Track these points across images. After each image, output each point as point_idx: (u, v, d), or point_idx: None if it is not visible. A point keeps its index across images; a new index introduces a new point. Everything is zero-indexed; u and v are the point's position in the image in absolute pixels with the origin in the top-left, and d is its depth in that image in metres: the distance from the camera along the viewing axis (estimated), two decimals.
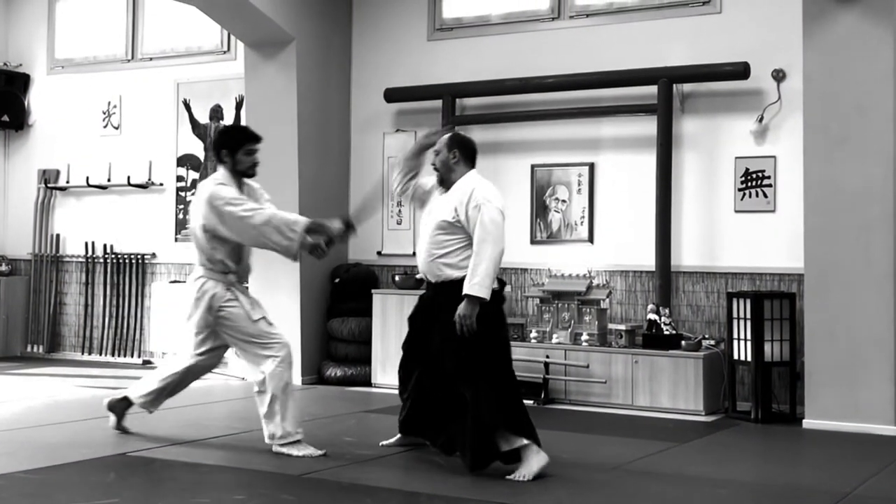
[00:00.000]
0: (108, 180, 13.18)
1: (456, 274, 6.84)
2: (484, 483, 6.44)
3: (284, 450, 7.07)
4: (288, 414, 7.12)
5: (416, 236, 7.39)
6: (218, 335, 7.38)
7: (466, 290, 6.64)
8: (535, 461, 6.60)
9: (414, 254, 7.49)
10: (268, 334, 7.23)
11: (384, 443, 7.43)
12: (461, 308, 6.66)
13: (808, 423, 8.75)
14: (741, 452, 7.91)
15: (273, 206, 7.36)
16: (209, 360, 7.54)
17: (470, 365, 6.76)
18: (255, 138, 7.38)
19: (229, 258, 7.27)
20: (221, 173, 7.32)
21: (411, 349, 7.24)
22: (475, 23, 11.22)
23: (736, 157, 9.85)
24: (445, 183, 7.08)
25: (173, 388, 7.69)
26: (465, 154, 7.11)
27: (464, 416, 6.76)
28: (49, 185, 13.59)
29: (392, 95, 11.36)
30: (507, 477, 6.54)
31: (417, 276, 7.45)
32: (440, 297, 6.94)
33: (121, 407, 7.81)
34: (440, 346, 6.89)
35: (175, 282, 12.62)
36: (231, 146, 7.30)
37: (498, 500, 5.95)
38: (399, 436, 7.40)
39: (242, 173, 7.33)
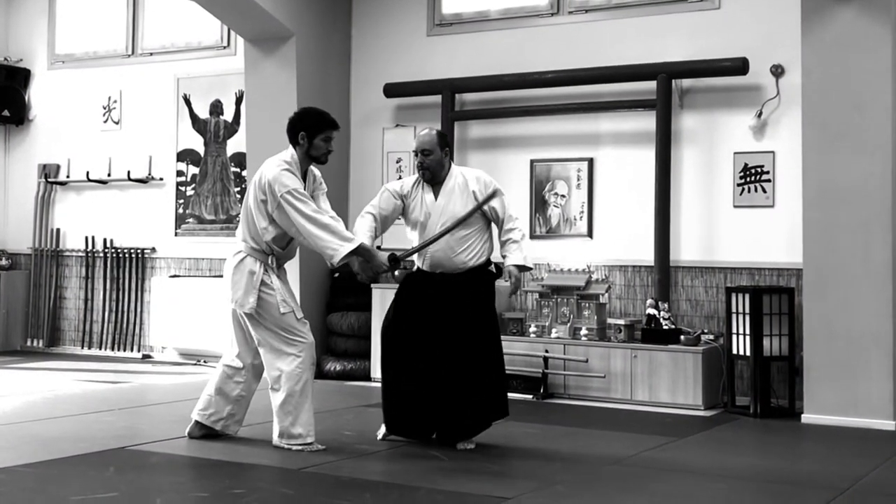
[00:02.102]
0: (108, 175, 13.20)
1: (475, 262, 7.38)
2: (483, 478, 6.45)
3: (284, 444, 7.08)
4: (301, 416, 7.05)
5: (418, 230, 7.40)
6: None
7: (522, 261, 7.36)
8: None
9: None
10: (295, 330, 7.10)
11: (380, 436, 7.49)
12: (516, 274, 7.33)
13: (806, 417, 8.76)
14: (740, 447, 7.92)
15: (327, 202, 7.33)
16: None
17: (497, 339, 7.49)
18: (336, 126, 7.35)
19: (277, 242, 7.15)
20: (290, 155, 7.17)
21: (418, 340, 7.32)
22: (474, 18, 11.24)
23: (735, 153, 9.87)
24: (435, 180, 7.42)
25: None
26: (450, 149, 7.54)
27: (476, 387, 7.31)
28: (49, 180, 13.61)
29: (391, 90, 11.37)
30: (463, 447, 7.28)
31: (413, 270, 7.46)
32: (460, 284, 7.31)
33: None
34: (467, 327, 7.29)
35: (175, 276, 12.64)
36: (312, 130, 7.20)
37: (497, 495, 5.95)
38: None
39: (315, 159, 7.26)
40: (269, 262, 7.17)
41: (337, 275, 11.19)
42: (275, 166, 7.10)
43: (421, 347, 7.31)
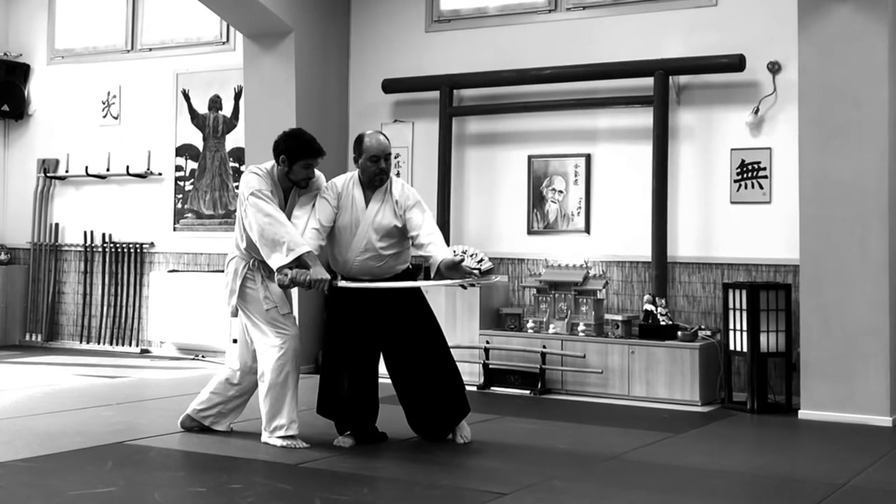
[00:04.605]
0: (108, 170, 13.21)
1: (402, 267, 7.30)
2: (480, 474, 6.48)
3: (271, 441, 7.11)
4: (284, 407, 7.09)
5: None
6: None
7: (452, 257, 6.87)
8: (467, 428, 7.44)
9: None
10: (278, 323, 7.14)
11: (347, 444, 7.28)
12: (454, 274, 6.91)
13: (803, 413, 8.77)
14: (737, 443, 7.94)
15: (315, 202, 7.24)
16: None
17: (440, 333, 7.37)
18: (317, 154, 7.17)
19: (254, 251, 7.14)
20: (270, 165, 7.21)
21: (367, 349, 7.24)
22: (472, 14, 11.25)
23: (732, 149, 9.88)
24: (381, 186, 7.20)
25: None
26: None
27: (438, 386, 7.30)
28: (48, 175, 13.61)
29: (390, 86, 11.38)
30: (452, 437, 7.34)
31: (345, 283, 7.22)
32: (391, 291, 7.13)
33: None
34: (408, 330, 7.23)
35: (173, 271, 12.66)
36: (291, 155, 7.11)
37: (494, 491, 5.97)
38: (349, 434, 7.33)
39: (294, 183, 7.19)
40: (252, 263, 7.24)
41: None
42: (246, 172, 7.19)
43: (372, 354, 7.26)
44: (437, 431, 7.35)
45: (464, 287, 7.21)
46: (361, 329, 7.20)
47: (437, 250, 6.93)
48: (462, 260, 6.87)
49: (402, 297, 7.20)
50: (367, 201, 7.16)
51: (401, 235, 7.17)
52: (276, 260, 6.85)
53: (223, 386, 7.45)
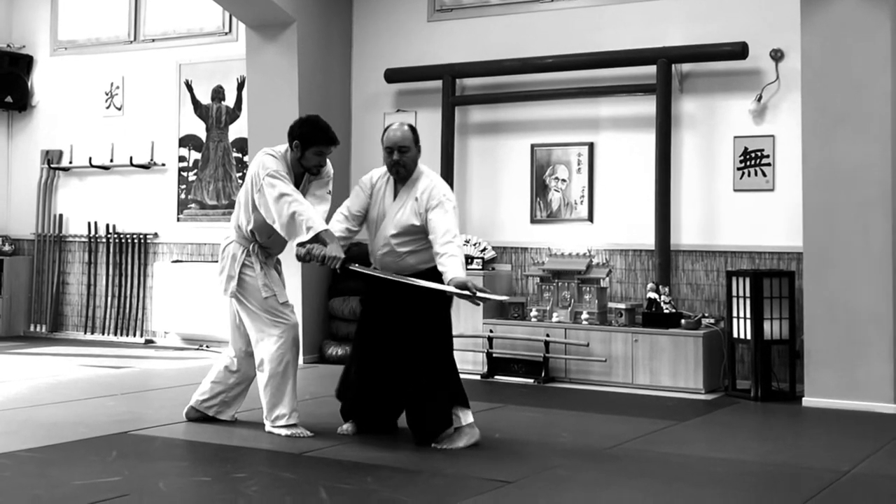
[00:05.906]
0: (111, 161, 13.23)
1: (424, 266, 7.02)
2: (484, 462, 6.47)
3: (274, 430, 7.11)
4: (284, 397, 7.10)
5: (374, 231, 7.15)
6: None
7: (462, 278, 6.64)
8: (465, 438, 6.90)
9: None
10: (278, 312, 7.14)
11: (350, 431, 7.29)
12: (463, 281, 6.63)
13: (807, 401, 8.78)
14: (740, 431, 7.93)
15: (325, 189, 7.26)
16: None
17: (444, 343, 7.11)
18: (330, 142, 7.17)
19: (258, 231, 7.16)
20: (284, 148, 7.18)
21: (382, 341, 7.14)
22: (475, 3, 11.24)
23: (735, 137, 9.88)
24: (404, 180, 7.08)
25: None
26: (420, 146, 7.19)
27: (421, 391, 6.99)
28: (52, 166, 13.63)
29: (392, 76, 11.39)
30: (435, 445, 6.85)
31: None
32: (417, 291, 6.92)
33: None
34: (414, 329, 7.00)
35: (177, 261, 12.67)
36: (304, 141, 7.09)
37: (498, 479, 5.98)
38: (352, 423, 7.33)
39: (306, 169, 7.17)
40: (252, 248, 7.21)
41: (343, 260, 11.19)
42: (261, 153, 7.16)
43: (382, 348, 7.13)
44: (416, 437, 7.06)
45: (476, 303, 6.94)
46: (383, 324, 7.14)
47: (450, 266, 6.69)
48: (474, 294, 6.63)
49: (423, 300, 6.96)
50: (396, 195, 7.09)
51: (422, 233, 6.97)
52: (296, 238, 6.83)
53: (223, 374, 7.46)
